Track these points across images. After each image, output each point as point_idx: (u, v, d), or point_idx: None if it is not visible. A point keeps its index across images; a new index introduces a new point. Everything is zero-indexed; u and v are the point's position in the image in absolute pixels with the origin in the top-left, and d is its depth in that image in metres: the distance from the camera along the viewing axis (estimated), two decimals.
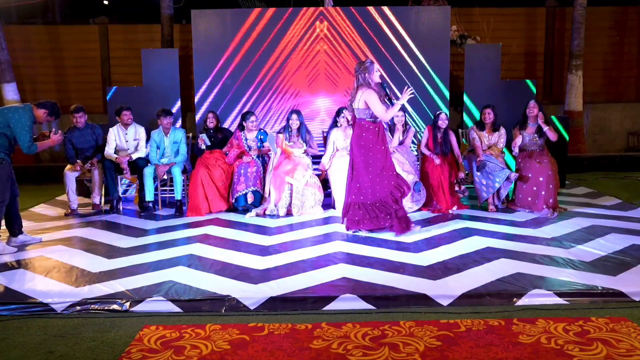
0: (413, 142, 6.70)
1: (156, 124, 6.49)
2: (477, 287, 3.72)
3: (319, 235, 5.16)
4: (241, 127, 6.48)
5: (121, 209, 6.40)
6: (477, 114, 7.20)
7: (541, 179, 5.84)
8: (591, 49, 10.25)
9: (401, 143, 6.32)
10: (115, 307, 3.56)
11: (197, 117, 7.31)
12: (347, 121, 6.38)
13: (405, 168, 6.11)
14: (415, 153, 6.68)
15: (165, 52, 7.88)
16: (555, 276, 3.91)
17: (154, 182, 6.28)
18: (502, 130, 6.38)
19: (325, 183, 6.42)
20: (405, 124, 6.41)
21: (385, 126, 5.28)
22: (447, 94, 7.40)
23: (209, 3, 8.24)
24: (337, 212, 6.07)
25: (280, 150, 6.21)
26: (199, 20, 7.26)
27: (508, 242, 4.79)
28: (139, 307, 3.55)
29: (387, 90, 5.03)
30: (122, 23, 11.24)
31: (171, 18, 9.63)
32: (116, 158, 6.27)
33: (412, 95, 5.09)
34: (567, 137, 7.45)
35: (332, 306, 3.54)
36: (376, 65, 5.11)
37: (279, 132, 6.38)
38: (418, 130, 7.19)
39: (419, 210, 6.11)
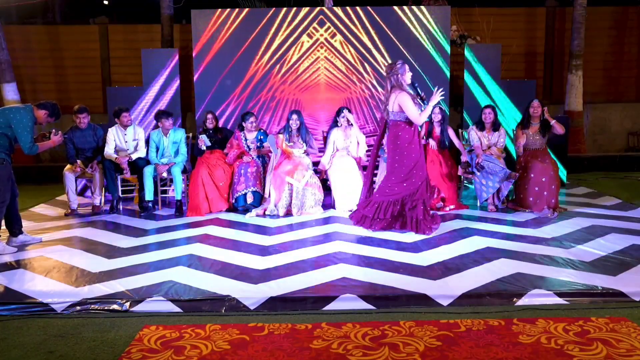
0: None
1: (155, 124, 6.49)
2: (477, 287, 3.72)
3: (319, 235, 5.16)
4: (241, 127, 6.48)
5: (121, 209, 6.40)
6: (476, 114, 7.21)
7: (544, 179, 5.84)
8: (591, 49, 10.25)
9: None
10: (115, 307, 3.56)
11: (197, 117, 7.31)
12: (347, 121, 6.39)
13: None
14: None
15: (165, 52, 7.88)
16: (555, 276, 3.91)
17: (154, 181, 6.28)
18: (502, 130, 6.39)
19: (325, 183, 6.42)
20: None
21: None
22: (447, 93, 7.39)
23: (209, 3, 8.24)
24: (337, 212, 6.08)
25: (280, 150, 6.21)
26: (199, 20, 7.26)
27: (508, 242, 4.79)
28: (139, 307, 3.55)
29: (418, 90, 5.04)
30: (122, 23, 11.23)
31: (171, 18, 9.63)
32: (116, 158, 6.27)
33: (443, 97, 5.10)
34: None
35: (332, 306, 3.54)
36: (407, 66, 5.11)
37: (278, 133, 6.38)
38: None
39: None
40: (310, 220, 5.80)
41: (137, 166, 6.31)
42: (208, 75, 7.26)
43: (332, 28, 7.18)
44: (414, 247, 4.70)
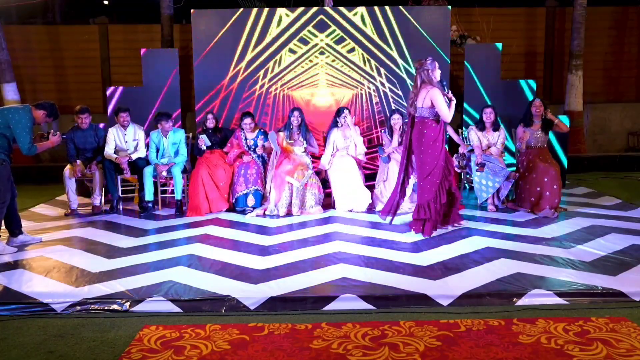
0: None
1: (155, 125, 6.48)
2: (477, 287, 3.72)
3: (319, 235, 5.16)
4: (241, 127, 6.49)
5: (121, 209, 6.40)
6: (477, 114, 7.21)
7: (546, 179, 5.83)
8: (591, 49, 10.25)
9: (400, 143, 6.32)
10: (115, 307, 3.56)
11: (197, 117, 7.31)
12: (350, 121, 6.40)
13: None
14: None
15: (165, 52, 7.88)
16: (555, 276, 3.91)
17: (154, 182, 6.28)
18: (502, 130, 6.39)
19: (325, 183, 6.43)
20: (404, 125, 6.42)
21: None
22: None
23: (209, 3, 8.24)
24: (337, 212, 6.08)
25: (280, 149, 6.21)
26: (199, 20, 7.26)
27: (508, 242, 4.79)
28: (139, 307, 3.55)
29: (446, 88, 5.05)
30: (122, 23, 11.23)
31: (171, 18, 9.63)
32: (116, 158, 6.27)
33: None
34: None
35: (332, 306, 3.54)
36: (437, 63, 5.10)
37: (279, 131, 6.38)
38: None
39: None
40: (311, 220, 5.80)
41: (137, 166, 6.31)
42: (208, 75, 7.25)
43: (332, 28, 7.17)
44: (414, 247, 4.70)
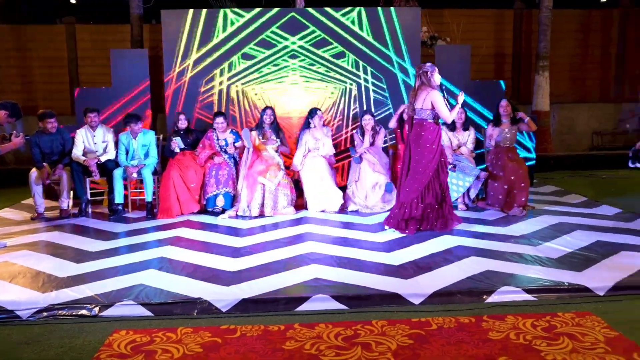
0: (385, 142, 6.76)
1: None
2: (448, 285, 3.77)
3: (292, 236, 5.16)
4: (213, 127, 6.44)
5: (90, 212, 6.28)
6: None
7: (513, 177, 5.94)
8: (557, 51, 10.49)
9: (372, 144, 6.37)
10: (83, 312, 3.49)
11: (168, 118, 7.22)
12: (321, 122, 6.41)
13: (376, 169, 6.17)
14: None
15: (135, 53, 7.77)
16: (524, 273, 3.99)
17: (124, 184, 6.19)
18: (472, 130, 6.49)
19: (297, 184, 6.43)
20: (376, 126, 6.47)
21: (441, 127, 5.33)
22: None
23: (179, 3, 8.15)
24: (310, 212, 6.09)
25: (252, 147, 6.18)
26: (169, 20, 7.17)
27: (478, 241, 4.86)
28: (108, 312, 3.49)
29: (444, 92, 5.11)
30: (90, 23, 11.03)
31: (140, 18, 9.50)
32: (84, 160, 6.15)
33: (463, 98, 5.24)
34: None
35: (304, 307, 3.54)
36: (436, 68, 5.19)
37: (251, 130, 6.36)
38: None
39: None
40: (283, 220, 5.79)
41: (107, 168, 6.20)
42: (178, 75, 7.18)
43: (303, 29, 7.17)
44: (386, 247, 4.73)
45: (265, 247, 4.79)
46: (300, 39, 7.15)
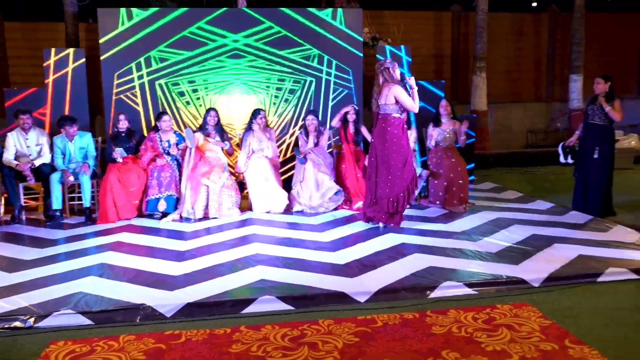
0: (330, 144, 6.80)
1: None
2: (392, 282, 3.84)
3: (237, 238, 5.11)
4: (155, 129, 6.29)
5: (24, 218, 6.00)
6: None
7: (452, 175, 6.11)
8: (493, 53, 10.89)
9: (316, 145, 6.41)
10: (17, 324, 3.33)
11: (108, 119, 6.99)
12: (264, 123, 6.38)
13: (321, 169, 6.20)
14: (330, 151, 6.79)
15: (70, 52, 7.46)
16: (465, 268, 4.12)
17: (62, 188, 5.95)
18: (414, 130, 6.64)
19: (242, 185, 6.38)
20: (319, 126, 6.51)
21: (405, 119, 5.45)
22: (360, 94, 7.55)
23: (117, 1, 7.90)
24: (255, 213, 6.06)
25: (195, 149, 6.08)
26: (106, 19, 6.94)
27: (421, 238, 4.97)
28: (45, 323, 3.35)
29: (407, 86, 5.23)
30: (21, 21, 10.50)
31: (75, 16, 9.14)
32: (17, 165, 5.86)
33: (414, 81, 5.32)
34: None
35: (250, 309, 3.52)
36: (396, 64, 5.33)
37: (195, 132, 6.26)
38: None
39: (336, 209, 6.21)
40: (228, 222, 5.73)
41: (42, 173, 5.94)
42: (118, 76, 6.96)
43: (245, 29, 7.11)
44: (332, 247, 4.77)
45: (210, 250, 4.73)
46: (242, 36, 7.09)
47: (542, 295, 3.67)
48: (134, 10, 6.91)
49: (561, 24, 11.68)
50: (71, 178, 5.96)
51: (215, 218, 5.90)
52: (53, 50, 6.95)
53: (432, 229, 5.28)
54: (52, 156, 6.06)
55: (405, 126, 5.37)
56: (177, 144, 6.24)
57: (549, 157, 9.19)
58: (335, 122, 6.46)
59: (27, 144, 6.03)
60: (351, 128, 6.48)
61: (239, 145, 6.60)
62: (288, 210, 6.20)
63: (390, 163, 5.23)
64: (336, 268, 4.18)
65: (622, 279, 3.92)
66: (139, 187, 6.01)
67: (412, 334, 3.13)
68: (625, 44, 12.05)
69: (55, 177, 5.86)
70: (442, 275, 3.95)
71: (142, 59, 6.94)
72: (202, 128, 6.36)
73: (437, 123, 6.40)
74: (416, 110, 5.29)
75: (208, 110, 6.38)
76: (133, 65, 6.93)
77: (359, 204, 6.19)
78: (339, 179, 6.34)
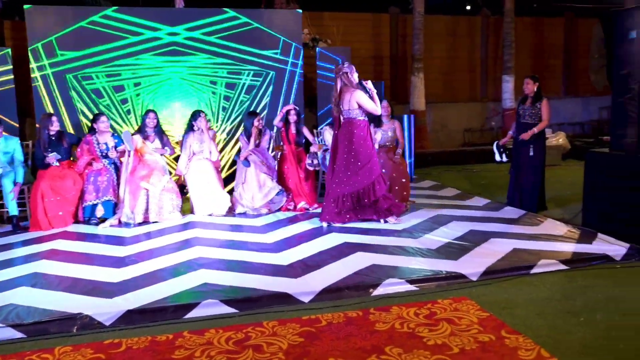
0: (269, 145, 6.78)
1: None
2: (336, 281, 3.87)
3: (178, 242, 5.01)
4: (92, 131, 6.06)
5: None
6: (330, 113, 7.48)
7: (395, 174, 6.23)
8: (430, 54, 11.18)
9: (257, 146, 6.37)
10: None
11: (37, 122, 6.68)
12: (205, 124, 6.29)
13: (262, 170, 6.18)
14: (272, 153, 6.76)
15: None
16: (407, 265, 4.21)
17: None
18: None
19: (183, 188, 6.25)
20: (260, 127, 6.47)
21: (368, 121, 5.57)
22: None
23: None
24: (197, 216, 5.96)
25: (133, 152, 5.91)
26: (34, 17, 6.63)
27: (363, 236, 5.04)
28: None
29: (366, 88, 5.33)
30: None
31: None
32: None
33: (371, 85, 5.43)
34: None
35: (193, 314, 3.46)
36: (354, 67, 5.43)
37: (133, 134, 6.08)
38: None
39: (280, 210, 6.20)
40: (169, 226, 5.60)
41: None
42: (48, 76, 6.67)
43: (183, 29, 6.99)
44: (275, 248, 4.76)
45: (151, 255, 4.61)
46: (180, 36, 6.96)
47: (480, 289, 3.80)
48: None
49: (493, 27, 12.14)
50: None
51: (156, 222, 5.76)
52: None
53: (374, 228, 5.36)
54: None
55: (370, 128, 5.52)
56: (115, 147, 6.03)
57: (484, 155, 9.55)
58: (277, 121, 6.47)
59: None
60: (292, 129, 6.48)
61: (179, 143, 6.47)
62: (231, 212, 6.13)
63: (358, 164, 5.37)
64: (280, 269, 4.17)
65: (552, 269, 4.12)
66: (75, 193, 5.76)
67: (356, 331, 3.17)
68: (551, 47, 12.68)
69: None
70: (385, 273, 4.02)
71: (39, 45, 6.63)
72: (140, 130, 6.19)
73: (378, 124, 6.50)
74: (379, 112, 5.47)
75: (147, 112, 6.21)
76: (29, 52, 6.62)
77: (302, 204, 6.21)
78: (281, 180, 6.33)
